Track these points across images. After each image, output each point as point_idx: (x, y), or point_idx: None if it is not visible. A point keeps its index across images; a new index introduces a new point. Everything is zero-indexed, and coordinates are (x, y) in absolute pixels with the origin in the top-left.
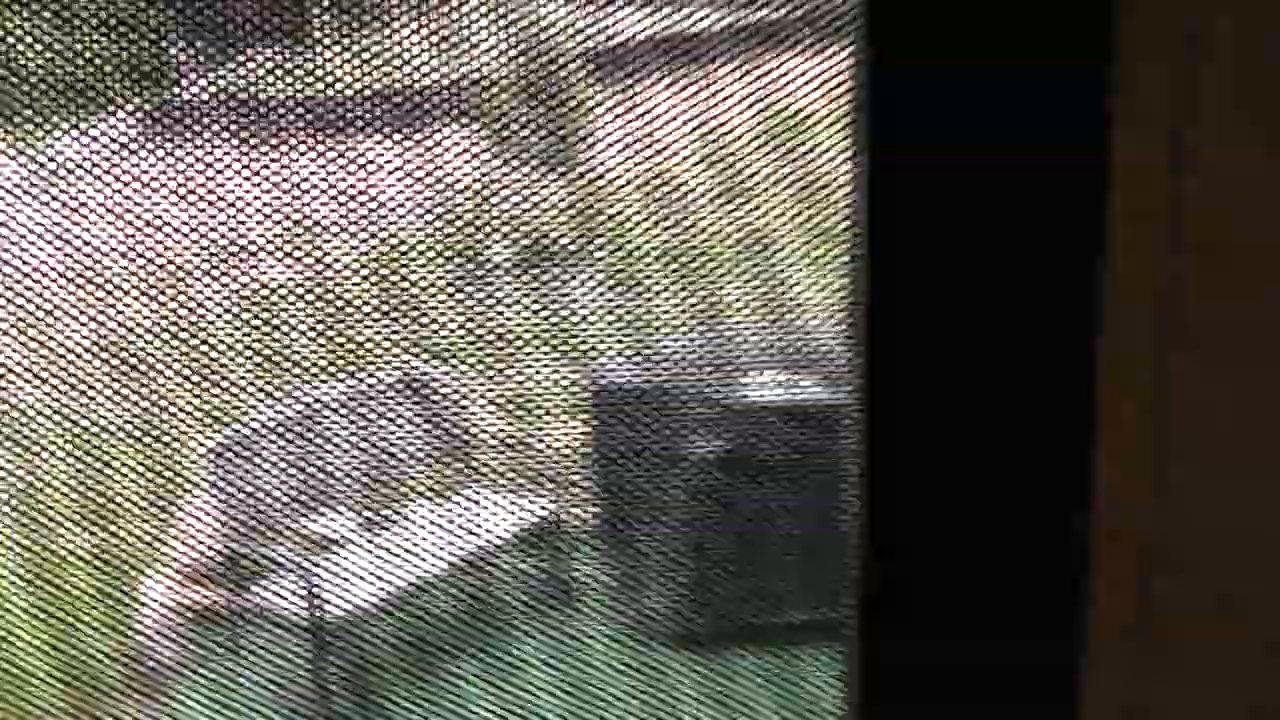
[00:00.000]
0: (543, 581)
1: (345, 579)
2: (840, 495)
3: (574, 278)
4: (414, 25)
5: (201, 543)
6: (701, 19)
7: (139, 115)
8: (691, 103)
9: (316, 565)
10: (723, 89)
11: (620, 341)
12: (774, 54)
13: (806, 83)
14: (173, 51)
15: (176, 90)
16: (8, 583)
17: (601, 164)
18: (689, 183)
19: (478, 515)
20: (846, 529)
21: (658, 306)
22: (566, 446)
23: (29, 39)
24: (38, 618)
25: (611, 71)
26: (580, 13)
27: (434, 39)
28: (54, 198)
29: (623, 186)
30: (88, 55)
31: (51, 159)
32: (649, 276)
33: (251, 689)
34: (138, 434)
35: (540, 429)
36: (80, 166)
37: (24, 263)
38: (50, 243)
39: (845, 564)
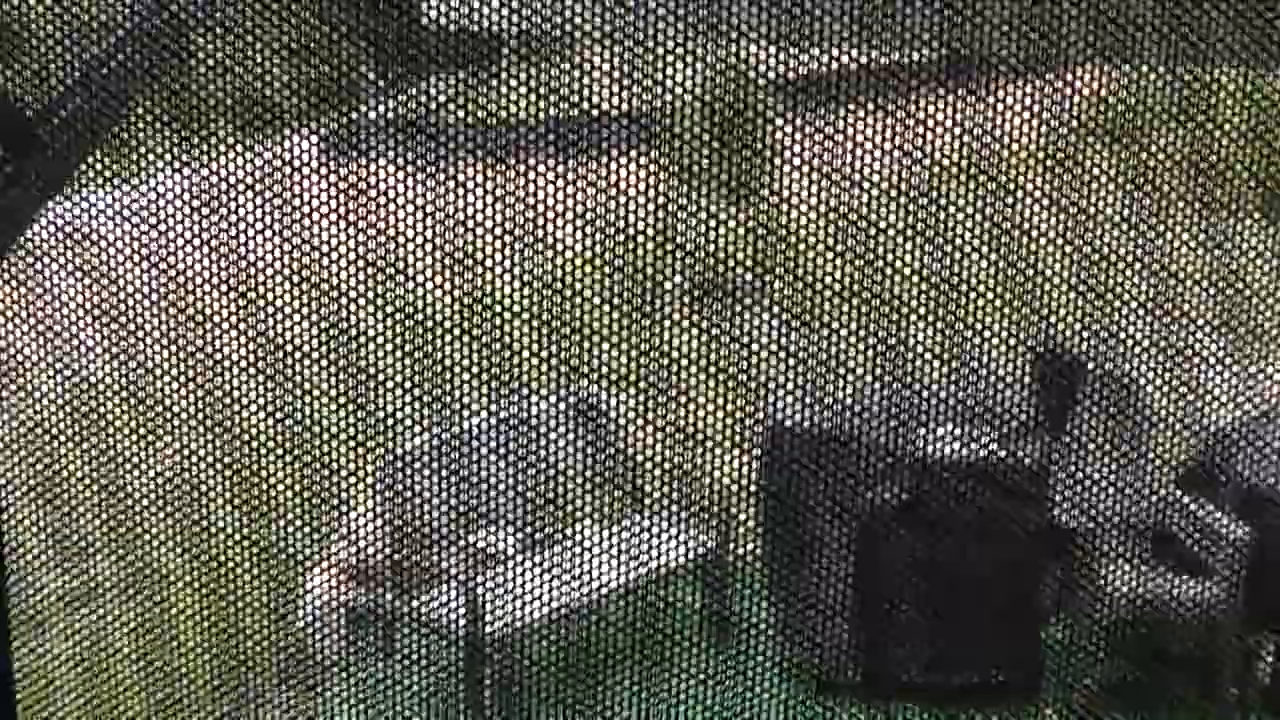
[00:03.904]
0: (700, 615)
1: (506, 595)
2: (1019, 558)
3: (753, 312)
4: (599, 57)
5: (369, 547)
6: (906, 52)
7: (321, 135)
8: (888, 136)
9: (479, 579)
10: (925, 123)
11: (797, 380)
12: (979, 89)
13: (1012, 121)
14: (358, 76)
15: (359, 113)
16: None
17: (793, 196)
18: (882, 221)
19: (642, 542)
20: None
21: (840, 347)
22: (736, 482)
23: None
24: (207, 608)
25: (804, 103)
26: (773, 45)
27: (619, 70)
28: (229, 212)
29: (814, 221)
30: (277, 78)
31: (227, 176)
32: (831, 315)
33: (406, 693)
34: (313, 444)
35: (710, 462)
36: (252, 186)
37: (199, 274)
38: (223, 256)
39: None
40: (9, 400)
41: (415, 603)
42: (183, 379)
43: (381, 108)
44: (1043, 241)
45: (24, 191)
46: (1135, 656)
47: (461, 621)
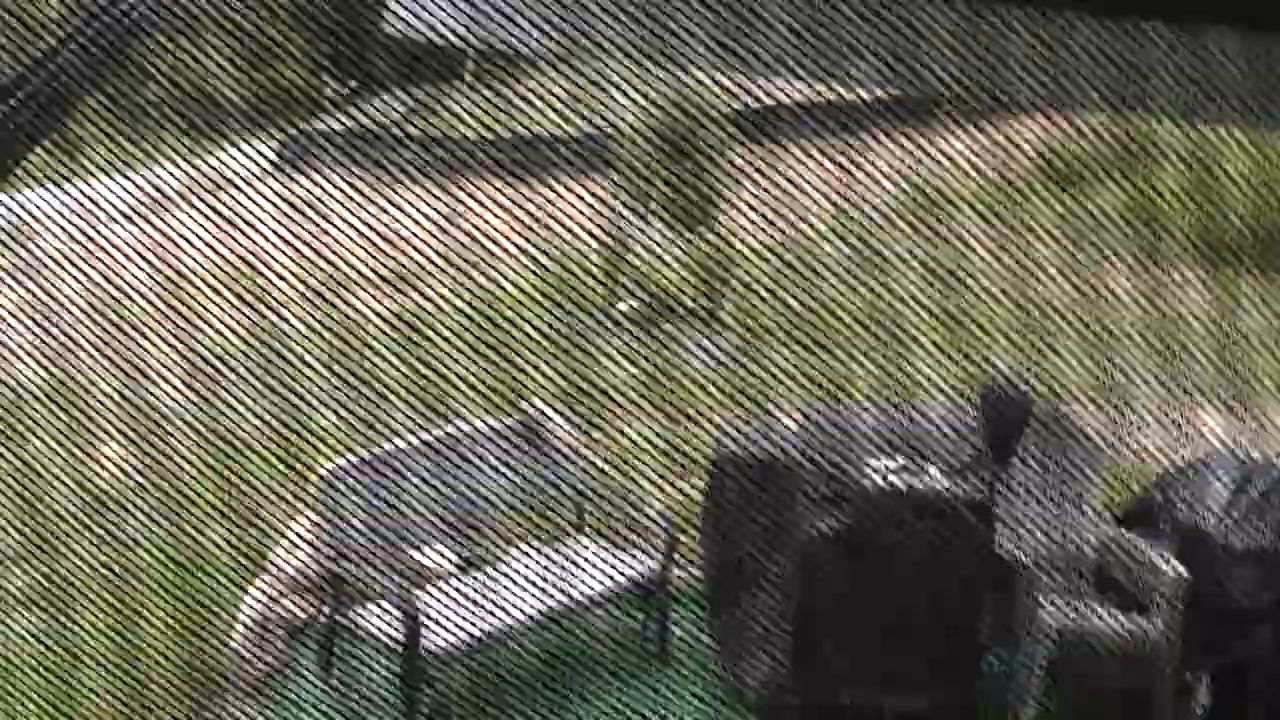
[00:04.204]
0: (638, 638)
1: (441, 612)
2: (953, 586)
3: (699, 340)
4: (558, 76)
5: (306, 560)
6: (853, 90)
7: (282, 140)
8: (833, 173)
9: (415, 595)
10: (867, 161)
11: (739, 410)
12: (922, 131)
13: (951, 162)
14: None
15: (319, 121)
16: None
17: (738, 227)
18: (824, 255)
19: (579, 565)
20: (957, 618)
21: (781, 378)
22: (677, 507)
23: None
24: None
25: (755, 135)
26: (728, 75)
27: (576, 90)
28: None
29: (757, 252)
30: (244, 80)
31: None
32: (774, 347)
33: (339, 706)
34: (254, 447)
35: (650, 487)
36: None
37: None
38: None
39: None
40: None
41: (353, 616)
42: (116, 389)
43: (338, 119)
44: (986, 280)
45: None
46: (1071, 690)
47: (394, 636)
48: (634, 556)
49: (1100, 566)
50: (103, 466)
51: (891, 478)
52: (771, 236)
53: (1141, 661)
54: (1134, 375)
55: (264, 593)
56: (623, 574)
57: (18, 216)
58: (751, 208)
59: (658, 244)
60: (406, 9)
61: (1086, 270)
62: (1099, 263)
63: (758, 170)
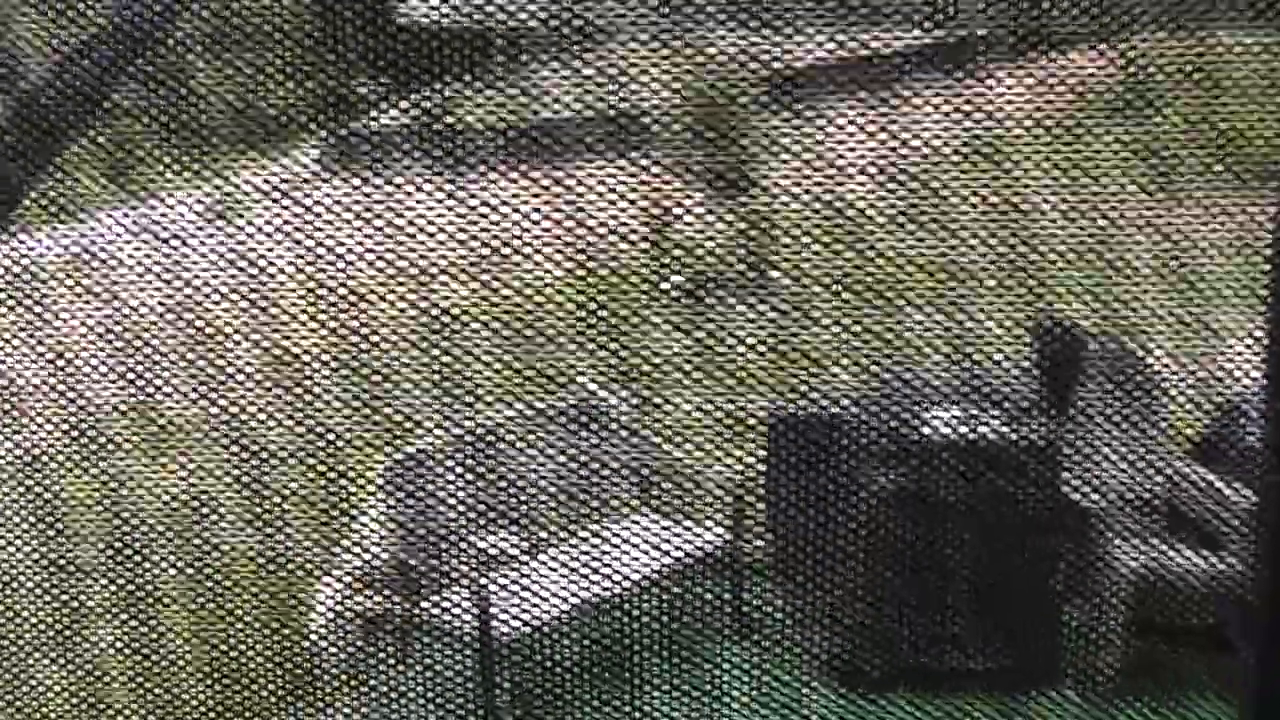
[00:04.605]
0: (709, 611)
1: (512, 598)
2: (1022, 540)
3: (748, 304)
4: (587, 57)
5: (376, 552)
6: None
7: (327, 144)
8: (876, 124)
9: (488, 581)
10: (911, 110)
11: (794, 373)
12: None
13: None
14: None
15: (363, 121)
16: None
17: (782, 190)
18: (872, 208)
19: (647, 541)
20: (1029, 576)
21: (836, 337)
22: (740, 476)
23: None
24: (210, 615)
25: (791, 95)
26: (757, 37)
27: (607, 70)
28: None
29: (800, 212)
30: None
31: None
32: (828, 305)
33: (417, 699)
34: (315, 449)
35: (713, 458)
36: (268, 194)
37: (210, 283)
38: (237, 265)
39: (1029, 613)
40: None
41: (427, 607)
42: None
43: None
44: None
45: None
46: (1151, 635)
47: (473, 624)
48: (701, 530)
49: (1172, 504)
50: (186, 471)
51: (952, 429)
52: (817, 195)
53: (1221, 599)
54: (1203, 304)
55: (337, 587)
56: (691, 548)
57: (81, 244)
58: (795, 168)
59: (700, 213)
60: None
61: (1150, 201)
62: (1163, 192)
63: (799, 130)
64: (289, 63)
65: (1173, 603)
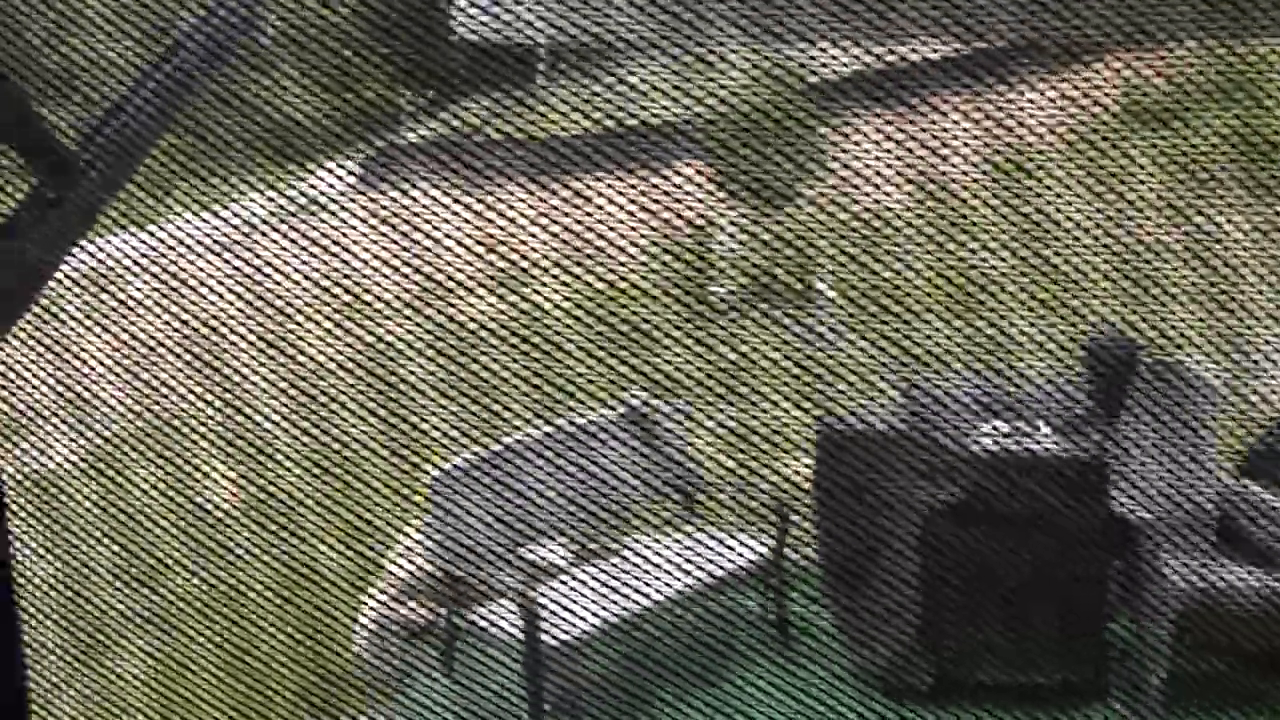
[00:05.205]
0: (760, 621)
1: (560, 608)
2: (1073, 551)
3: (801, 317)
4: (636, 67)
5: (422, 562)
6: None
7: (366, 156)
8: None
9: (533, 592)
10: (945, 121)
11: (846, 383)
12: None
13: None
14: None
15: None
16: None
17: (827, 201)
18: (910, 223)
19: (697, 551)
20: (1078, 591)
21: (885, 349)
22: (791, 486)
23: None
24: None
25: (837, 104)
26: (801, 50)
27: (654, 80)
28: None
29: (846, 224)
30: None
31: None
32: (871, 323)
33: (463, 706)
34: (358, 462)
35: (764, 468)
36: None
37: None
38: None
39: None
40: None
41: (472, 618)
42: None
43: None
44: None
45: (58, 226)
46: (1203, 651)
47: (519, 635)
48: (749, 540)
49: (1224, 521)
50: (215, 487)
51: (1001, 443)
52: (863, 206)
53: (1273, 618)
54: (1250, 317)
55: (383, 597)
56: (738, 559)
57: (105, 261)
58: (840, 179)
59: (747, 224)
60: (475, 10)
61: (1193, 209)
62: (1206, 200)
63: (838, 143)
64: (342, 73)
65: (1223, 619)
